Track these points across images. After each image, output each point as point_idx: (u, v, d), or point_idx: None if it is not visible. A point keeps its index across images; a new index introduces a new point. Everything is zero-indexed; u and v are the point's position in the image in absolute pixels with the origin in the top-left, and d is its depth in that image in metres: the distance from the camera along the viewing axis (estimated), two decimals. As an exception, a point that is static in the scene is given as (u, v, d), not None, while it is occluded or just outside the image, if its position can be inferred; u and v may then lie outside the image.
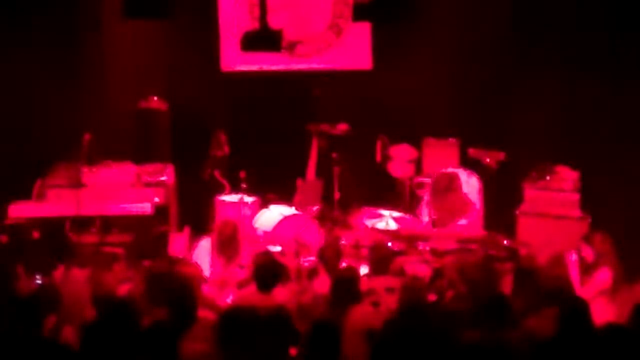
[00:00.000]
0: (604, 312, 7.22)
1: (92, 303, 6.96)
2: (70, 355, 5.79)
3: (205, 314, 6.55)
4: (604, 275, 7.85)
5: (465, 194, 9.85)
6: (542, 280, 7.13)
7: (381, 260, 8.18)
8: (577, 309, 6.12)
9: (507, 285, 7.56)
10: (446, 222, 9.77)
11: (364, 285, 7.84)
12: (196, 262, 8.41)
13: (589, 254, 7.97)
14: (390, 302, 7.31)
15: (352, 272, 7.42)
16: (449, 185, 9.74)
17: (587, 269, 7.99)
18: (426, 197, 10.27)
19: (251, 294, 7.38)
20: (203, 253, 9.18)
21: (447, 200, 9.57)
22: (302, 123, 11.19)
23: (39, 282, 8.27)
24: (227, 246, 8.85)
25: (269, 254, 8.20)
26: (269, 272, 7.34)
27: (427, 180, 10.65)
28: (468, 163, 10.74)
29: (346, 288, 7.00)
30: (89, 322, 6.12)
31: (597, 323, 6.18)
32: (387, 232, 9.43)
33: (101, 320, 6.10)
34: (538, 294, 6.77)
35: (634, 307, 6.23)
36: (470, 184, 9.94)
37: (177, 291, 6.63)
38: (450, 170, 10.50)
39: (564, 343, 5.83)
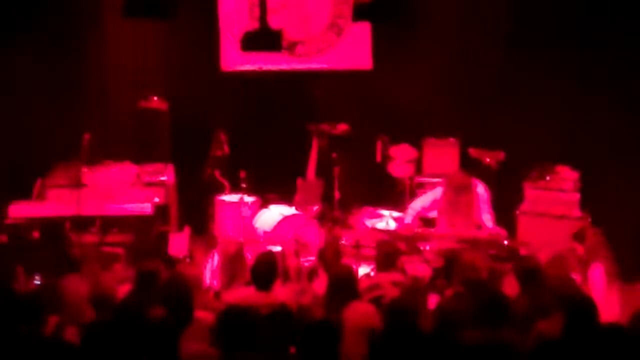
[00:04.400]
0: (604, 312, 7.20)
1: (92, 303, 6.95)
2: (71, 354, 5.78)
3: (203, 314, 6.54)
4: (597, 273, 7.84)
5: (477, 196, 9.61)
6: (548, 281, 7.09)
7: (388, 255, 8.15)
8: (585, 311, 6.05)
9: (509, 285, 7.56)
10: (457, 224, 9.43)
11: (367, 281, 7.85)
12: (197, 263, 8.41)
13: (580, 251, 7.97)
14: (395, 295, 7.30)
15: (349, 271, 7.41)
16: (466, 185, 9.44)
17: (580, 265, 7.99)
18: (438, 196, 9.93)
19: (250, 294, 7.38)
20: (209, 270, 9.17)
21: (462, 200, 9.35)
22: (302, 123, 11.19)
23: (38, 282, 8.29)
24: (231, 265, 8.84)
25: (266, 253, 8.18)
26: (265, 271, 7.33)
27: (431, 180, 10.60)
28: (468, 163, 10.75)
29: (343, 287, 6.99)
30: (88, 322, 6.12)
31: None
32: (387, 232, 9.41)
33: (101, 320, 6.10)
34: (545, 296, 6.74)
35: (634, 313, 6.16)
36: (479, 193, 9.81)
37: (174, 291, 6.62)
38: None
39: (570, 344, 5.80)
